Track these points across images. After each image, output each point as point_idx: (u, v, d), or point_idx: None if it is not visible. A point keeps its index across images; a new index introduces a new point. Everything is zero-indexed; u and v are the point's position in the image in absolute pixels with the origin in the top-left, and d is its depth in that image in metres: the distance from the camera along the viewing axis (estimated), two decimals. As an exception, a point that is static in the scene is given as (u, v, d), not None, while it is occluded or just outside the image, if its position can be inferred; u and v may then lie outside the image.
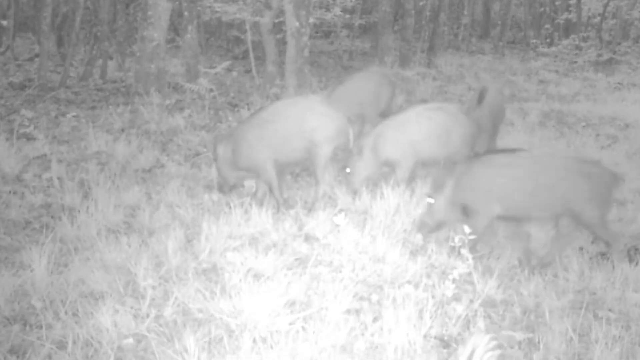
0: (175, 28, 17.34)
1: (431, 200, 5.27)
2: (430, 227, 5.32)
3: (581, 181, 4.98)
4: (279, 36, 13.62)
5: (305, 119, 6.01)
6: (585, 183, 4.97)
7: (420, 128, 6.30)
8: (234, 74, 13.86)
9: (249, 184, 6.44)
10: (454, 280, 4.36)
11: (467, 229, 4.58)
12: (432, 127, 6.31)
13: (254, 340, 3.76)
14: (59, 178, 6.50)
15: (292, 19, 11.02)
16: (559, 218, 5.15)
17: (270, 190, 6.15)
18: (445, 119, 6.38)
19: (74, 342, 3.71)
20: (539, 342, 3.87)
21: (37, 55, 13.94)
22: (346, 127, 6.12)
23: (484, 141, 6.74)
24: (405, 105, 7.47)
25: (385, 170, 6.62)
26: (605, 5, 20.80)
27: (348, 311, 4.17)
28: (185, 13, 12.51)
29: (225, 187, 6.17)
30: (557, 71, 17.65)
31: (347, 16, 17.95)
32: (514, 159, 5.25)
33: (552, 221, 5.23)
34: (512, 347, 3.87)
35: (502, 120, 7.90)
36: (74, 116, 9.47)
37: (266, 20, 12.11)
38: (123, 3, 15.21)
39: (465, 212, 5.19)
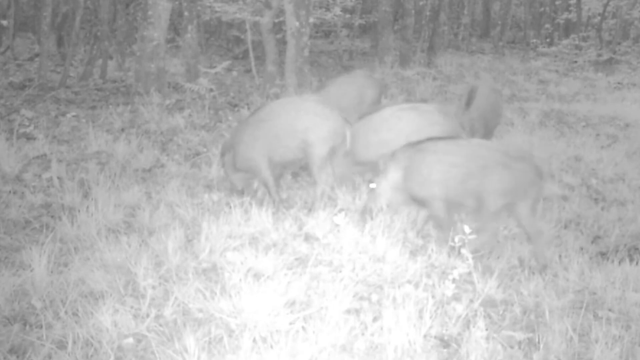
0: (175, 28, 17.35)
1: (373, 186, 5.47)
2: (374, 212, 5.49)
3: (498, 172, 5.12)
4: (279, 36, 13.63)
5: (299, 119, 6.01)
6: (502, 174, 5.11)
7: (390, 128, 6.24)
8: (234, 73, 13.86)
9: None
10: (454, 280, 4.35)
11: (467, 229, 4.58)
12: (401, 126, 6.22)
13: (254, 340, 3.75)
14: (59, 178, 6.49)
15: (292, 18, 11.03)
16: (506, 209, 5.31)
17: (266, 189, 6.16)
18: (416, 119, 6.27)
19: (74, 342, 3.71)
20: (539, 342, 3.87)
21: (37, 55, 13.95)
22: (342, 127, 6.08)
23: None
24: (380, 106, 7.40)
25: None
26: (605, 5, 20.80)
27: (348, 311, 4.17)
28: (186, 13, 12.51)
29: (235, 191, 6.23)
30: (557, 71, 17.66)
31: (347, 16, 17.97)
32: (452, 146, 5.41)
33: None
34: (512, 347, 3.87)
35: (497, 121, 7.76)
36: (74, 116, 9.47)
37: (266, 20, 12.11)
38: (123, 3, 15.22)
39: (415, 200, 5.45)
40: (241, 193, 6.24)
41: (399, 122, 6.21)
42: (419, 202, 5.45)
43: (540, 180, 5.23)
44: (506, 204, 5.17)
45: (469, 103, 6.94)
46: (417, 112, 6.38)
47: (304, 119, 6.01)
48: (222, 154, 6.26)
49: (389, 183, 5.46)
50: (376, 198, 5.50)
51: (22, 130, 8.23)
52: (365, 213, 5.53)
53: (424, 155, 5.37)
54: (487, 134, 7.29)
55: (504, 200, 5.14)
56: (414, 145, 5.50)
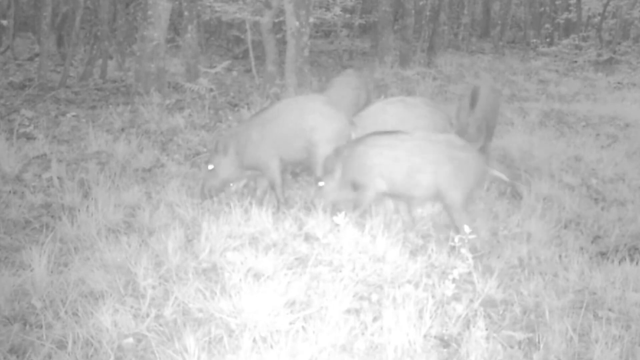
0: (175, 28, 17.35)
1: (322, 184, 5.62)
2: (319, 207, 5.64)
3: (448, 164, 5.24)
4: (279, 36, 13.62)
5: (304, 119, 6.01)
6: (451, 166, 5.24)
7: (376, 121, 6.24)
8: (234, 73, 13.86)
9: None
10: (454, 280, 4.36)
11: (467, 229, 4.58)
12: (387, 119, 6.23)
13: (254, 340, 3.75)
14: (59, 178, 6.50)
15: (292, 18, 11.03)
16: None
17: (273, 188, 6.15)
18: (403, 111, 6.29)
19: (74, 342, 3.71)
20: (539, 342, 3.87)
21: (37, 55, 13.95)
22: (346, 128, 6.09)
23: (479, 142, 6.66)
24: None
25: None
26: (605, 5, 20.81)
27: (348, 311, 4.17)
28: (185, 13, 12.51)
29: (213, 192, 6.14)
30: (557, 71, 17.66)
31: (347, 16, 17.97)
32: (394, 140, 5.49)
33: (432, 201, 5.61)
34: (512, 347, 3.87)
35: (496, 120, 7.74)
36: (74, 116, 9.47)
37: (266, 19, 12.10)
38: (123, 3, 15.21)
39: (355, 188, 5.61)
40: (215, 194, 6.17)
41: (385, 115, 6.23)
42: (357, 190, 5.62)
43: (485, 168, 5.42)
44: (469, 194, 5.32)
45: (473, 104, 6.90)
46: (404, 104, 6.41)
47: (309, 119, 6.01)
48: (219, 151, 6.15)
49: (335, 181, 5.60)
50: (325, 195, 5.65)
51: (22, 130, 8.23)
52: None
53: (366, 148, 5.50)
54: (489, 134, 7.27)
55: (465, 190, 5.28)
56: (355, 140, 5.67)
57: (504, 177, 5.60)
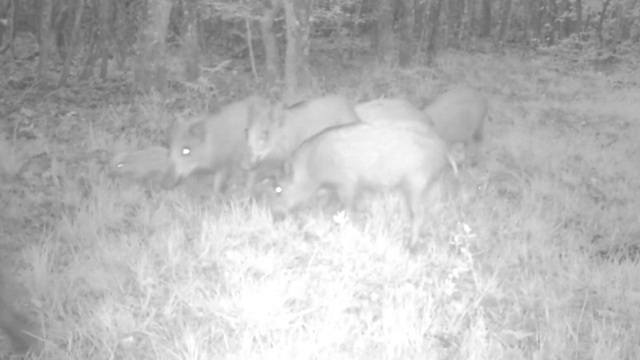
0: (175, 27, 17.33)
1: (279, 190, 5.54)
2: (284, 214, 5.60)
3: (416, 151, 5.34)
4: (279, 35, 13.62)
5: None
6: (419, 153, 5.34)
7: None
8: (234, 72, 13.85)
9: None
10: (454, 279, 4.36)
11: (467, 228, 4.59)
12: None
13: (254, 339, 3.76)
14: (59, 177, 6.50)
15: (292, 17, 11.03)
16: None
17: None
18: (382, 114, 6.29)
19: (74, 341, 3.71)
20: (539, 341, 3.87)
21: (37, 54, 13.95)
22: None
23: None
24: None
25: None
26: (605, 4, 20.82)
27: (348, 310, 4.17)
28: (185, 12, 12.50)
29: (171, 183, 5.85)
30: (557, 70, 17.65)
31: (347, 15, 17.96)
32: (358, 132, 5.54)
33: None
34: (512, 346, 3.87)
35: (463, 126, 7.49)
36: (74, 115, 9.47)
37: (266, 19, 12.11)
38: (123, 2, 15.19)
39: (330, 187, 5.72)
40: (176, 185, 5.94)
41: (366, 119, 6.17)
42: (331, 187, 5.71)
43: (446, 155, 5.50)
44: (430, 181, 5.41)
45: (422, 108, 7.01)
46: (383, 107, 6.43)
47: None
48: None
49: (295, 184, 5.55)
50: (285, 200, 5.58)
51: (22, 129, 8.23)
52: (278, 216, 5.58)
53: (330, 144, 5.51)
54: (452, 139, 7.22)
55: (428, 177, 5.37)
56: (312, 140, 5.63)
57: (454, 167, 5.68)
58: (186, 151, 5.76)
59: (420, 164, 5.33)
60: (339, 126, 5.68)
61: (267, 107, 6.07)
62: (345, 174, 5.47)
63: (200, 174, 6.17)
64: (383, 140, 5.40)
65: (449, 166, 5.51)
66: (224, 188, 6.33)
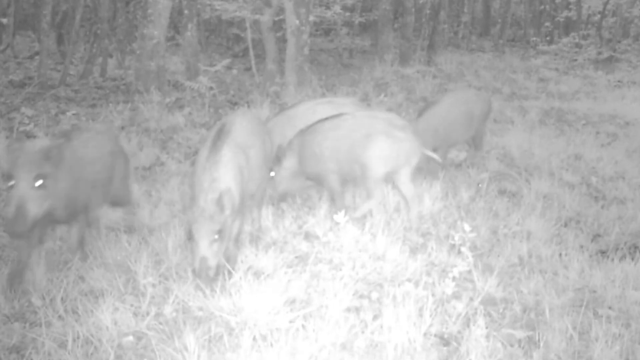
0: (175, 26, 17.34)
1: (272, 174, 5.69)
2: (274, 198, 5.80)
3: (386, 141, 5.51)
4: (279, 34, 13.63)
5: None
6: (383, 143, 5.50)
7: (307, 121, 6.18)
8: (234, 71, 13.85)
9: None
10: (454, 278, 4.35)
11: (467, 227, 4.58)
12: (315, 120, 6.19)
13: (254, 338, 3.76)
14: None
15: (292, 16, 11.03)
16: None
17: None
18: (329, 112, 6.25)
19: (74, 340, 3.71)
20: (539, 340, 3.87)
21: (37, 53, 13.95)
22: None
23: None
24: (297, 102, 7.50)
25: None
26: (605, 3, 20.82)
27: (348, 309, 4.17)
28: (186, 11, 12.50)
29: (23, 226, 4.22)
30: (557, 69, 17.65)
31: (347, 14, 17.95)
32: (336, 121, 5.75)
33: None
34: (512, 345, 3.87)
35: (461, 132, 7.40)
36: (74, 114, 9.47)
37: (266, 18, 12.11)
38: (123, 1, 15.21)
39: (315, 179, 5.87)
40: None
41: (314, 116, 6.19)
42: (316, 179, 5.88)
43: (419, 149, 5.64)
44: (389, 170, 5.57)
45: (421, 112, 7.00)
46: (332, 105, 6.46)
47: None
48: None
49: (286, 170, 5.78)
50: (275, 186, 5.81)
51: (22, 129, 8.23)
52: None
53: (313, 136, 5.72)
54: (445, 144, 7.21)
55: (386, 166, 5.54)
56: (304, 130, 5.84)
57: (438, 159, 5.88)
58: (39, 182, 4.20)
59: (383, 153, 5.49)
60: (325, 118, 5.85)
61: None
62: (325, 164, 5.64)
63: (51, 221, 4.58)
64: (355, 128, 5.59)
65: (427, 159, 5.80)
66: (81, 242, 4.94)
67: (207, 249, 4.14)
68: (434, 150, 6.48)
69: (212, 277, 4.18)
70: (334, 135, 5.66)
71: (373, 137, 5.52)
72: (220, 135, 4.56)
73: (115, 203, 5.38)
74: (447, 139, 7.18)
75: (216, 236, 4.16)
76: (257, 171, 4.88)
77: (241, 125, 4.81)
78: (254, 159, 4.78)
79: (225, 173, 4.35)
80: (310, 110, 6.37)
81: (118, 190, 5.25)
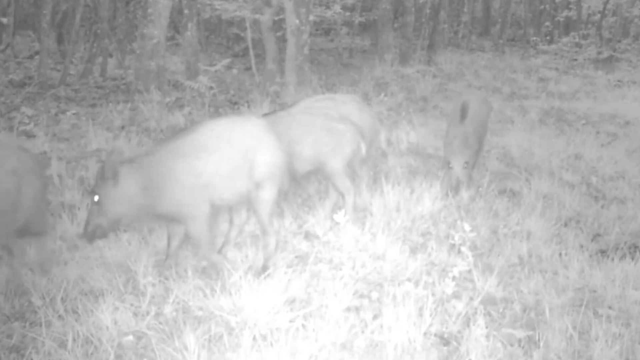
0: (175, 26, 17.33)
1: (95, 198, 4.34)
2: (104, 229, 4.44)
3: (326, 135, 5.51)
4: (279, 34, 13.62)
5: None
6: (329, 137, 5.51)
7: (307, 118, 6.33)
8: (234, 71, 13.84)
9: None
10: (454, 278, 4.35)
11: (467, 227, 4.58)
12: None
13: (254, 338, 3.76)
14: (59, 175, 6.49)
15: (292, 16, 11.03)
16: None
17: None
18: (330, 109, 6.27)
19: (74, 340, 3.71)
20: (539, 340, 3.87)
21: (37, 53, 13.94)
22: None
23: (470, 157, 6.43)
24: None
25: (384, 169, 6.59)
26: (605, 3, 20.81)
27: (348, 309, 4.17)
28: (186, 10, 12.50)
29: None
30: (557, 69, 17.65)
31: (347, 14, 17.93)
32: (275, 117, 5.68)
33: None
34: (512, 345, 3.87)
35: (485, 132, 7.28)
36: (74, 114, 9.47)
37: (266, 17, 12.10)
38: (123, 1, 15.21)
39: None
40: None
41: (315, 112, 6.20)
42: None
43: (360, 140, 5.66)
44: (346, 163, 5.61)
45: (463, 117, 6.76)
46: (333, 102, 6.43)
47: None
48: None
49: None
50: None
51: (22, 128, 8.23)
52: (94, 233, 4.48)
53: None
54: (480, 146, 6.97)
55: (343, 159, 5.57)
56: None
57: (384, 147, 5.84)
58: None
59: (331, 148, 5.51)
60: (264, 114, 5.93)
61: None
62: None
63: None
64: (294, 126, 5.55)
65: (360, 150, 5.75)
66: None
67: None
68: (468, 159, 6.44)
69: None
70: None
71: (311, 133, 5.55)
72: None
73: (25, 233, 4.36)
74: (477, 143, 6.84)
75: None
76: None
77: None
78: None
79: None
80: (311, 107, 6.35)
81: (28, 218, 4.25)
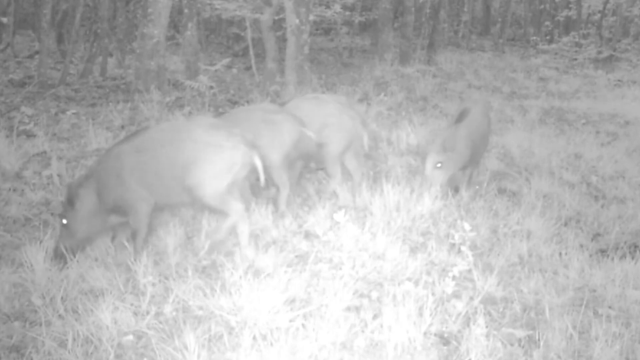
0: (175, 25, 17.34)
1: (64, 221, 4.76)
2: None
3: (264, 128, 5.64)
4: (279, 33, 13.62)
5: None
6: (267, 130, 5.65)
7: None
8: (234, 71, 13.85)
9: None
10: (454, 278, 4.36)
11: (467, 227, 4.58)
12: (300, 116, 6.23)
13: (254, 338, 3.76)
14: (59, 175, 6.49)
15: (292, 16, 11.02)
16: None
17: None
18: (313, 109, 6.33)
19: (74, 339, 3.72)
20: (539, 340, 3.87)
21: (37, 53, 13.94)
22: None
23: (449, 161, 6.19)
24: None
25: (382, 169, 6.58)
26: (605, 3, 20.82)
27: (348, 308, 4.17)
28: (185, 10, 12.50)
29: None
30: (557, 68, 17.66)
31: (347, 13, 17.95)
32: (227, 116, 5.90)
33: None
34: (512, 345, 3.87)
35: (484, 144, 6.91)
36: (74, 113, 9.46)
37: (266, 17, 12.11)
38: (123, 0, 15.20)
39: None
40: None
41: (299, 112, 6.18)
42: None
43: (300, 130, 5.78)
44: (286, 154, 5.74)
45: (459, 120, 6.66)
46: (317, 101, 6.45)
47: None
48: None
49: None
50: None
51: (22, 128, 8.23)
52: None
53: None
54: (475, 157, 6.63)
55: (282, 151, 5.68)
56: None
57: (313, 136, 5.89)
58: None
59: (268, 139, 5.60)
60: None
61: None
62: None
63: None
64: (237, 122, 5.63)
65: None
66: None
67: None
68: (464, 166, 6.41)
69: None
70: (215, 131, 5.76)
71: (255, 127, 5.62)
72: None
73: None
74: (476, 153, 6.63)
75: None
76: None
77: None
78: None
79: None
80: (296, 106, 6.34)
81: None
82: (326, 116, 6.20)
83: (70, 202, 4.71)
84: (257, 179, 5.14)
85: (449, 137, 6.20)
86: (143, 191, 4.77)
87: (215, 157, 4.76)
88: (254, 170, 5.00)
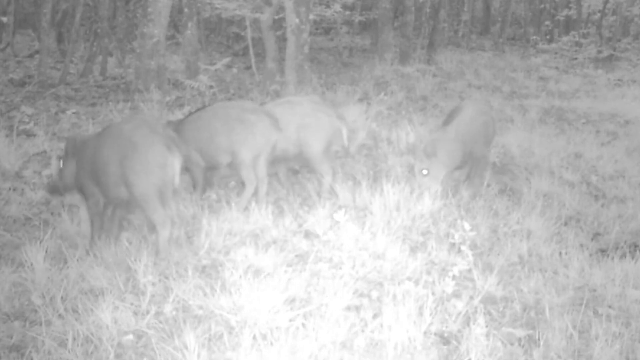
0: (175, 25, 17.34)
1: (60, 164, 5.37)
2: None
3: (239, 126, 5.79)
4: (279, 33, 13.61)
5: None
6: (241, 127, 5.79)
7: None
8: (234, 70, 13.84)
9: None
10: (454, 277, 4.36)
11: (467, 226, 4.58)
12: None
13: (254, 337, 3.76)
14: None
15: (292, 15, 11.01)
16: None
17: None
18: (287, 112, 6.37)
19: (74, 339, 3.71)
20: (539, 339, 3.87)
21: (37, 52, 13.95)
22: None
23: (435, 165, 6.17)
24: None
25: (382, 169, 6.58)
26: (605, 2, 20.81)
27: (348, 308, 4.17)
28: (185, 10, 12.50)
29: None
30: (557, 68, 17.64)
31: (347, 13, 17.94)
32: (199, 112, 6.05)
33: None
34: (512, 344, 3.87)
35: (484, 141, 6.70)
36: (74, 113, 9.47)
37: (266, 16, 12.09)
38: (123, 0, 15.20)
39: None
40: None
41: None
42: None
43: (274, 131, 5.89)
44: (256, 155, 5.85)
45: (446, 122, 6.59)
46: (290, 104, 6.49)
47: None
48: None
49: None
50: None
51: (22, 127, 8.23)
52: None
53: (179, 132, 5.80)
54: (472, 154, 6.51)
55: (254, 149, 5.80)
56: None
57: (279, 127, 5.99)
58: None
59: (243, 138, 5.74)
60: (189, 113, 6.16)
61: None
62: (192, 154, 5.66)
63: None
64: (214, 119, 5.84)
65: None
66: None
67: None
68: (459, 167, 6.37)
69: None
70: (193, 127, 5.87)
71: (230, 124, 5.81)
72: None
73: None
74: (472, 153, 6.52)
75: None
76: None
77: None
78: None
79: None
80: (270, 110, 6.33)
81: None
82: (302, 117, 6.29)
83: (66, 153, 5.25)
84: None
85: (430, 142, 6.23)
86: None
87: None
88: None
